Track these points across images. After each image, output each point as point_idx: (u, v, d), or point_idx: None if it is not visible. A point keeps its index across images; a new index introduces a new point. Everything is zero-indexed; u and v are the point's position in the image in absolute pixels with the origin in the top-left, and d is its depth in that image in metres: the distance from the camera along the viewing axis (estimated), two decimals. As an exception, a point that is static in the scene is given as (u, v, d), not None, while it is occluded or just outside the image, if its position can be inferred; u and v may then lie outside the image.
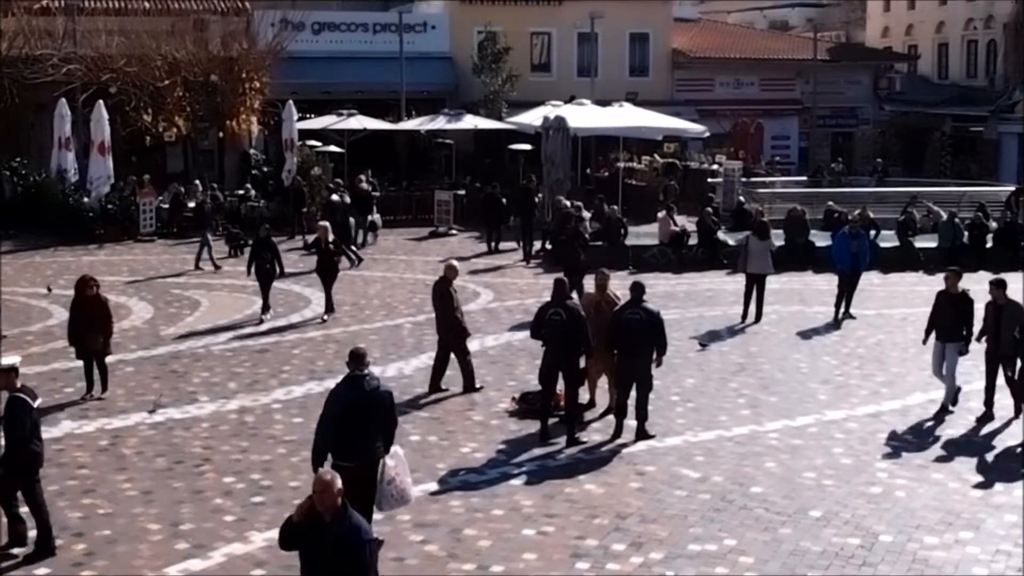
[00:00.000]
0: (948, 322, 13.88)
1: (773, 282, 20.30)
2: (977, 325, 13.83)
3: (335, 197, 26.15)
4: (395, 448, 9.41)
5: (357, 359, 9.24)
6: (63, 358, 15.27)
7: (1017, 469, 11.79)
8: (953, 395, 13.95)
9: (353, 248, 24.92)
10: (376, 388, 9.20)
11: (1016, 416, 13.39)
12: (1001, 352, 13.40)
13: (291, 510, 10.24)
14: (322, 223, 20.12)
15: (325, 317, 18.73)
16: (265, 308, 18.81)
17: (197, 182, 30.72)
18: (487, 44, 36.41)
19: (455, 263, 15.21)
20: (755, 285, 19.21)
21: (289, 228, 28.12)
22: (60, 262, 24.27)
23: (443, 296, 14.45)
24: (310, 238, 24.03)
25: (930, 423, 13.47)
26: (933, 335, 14.08)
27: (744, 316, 19.10)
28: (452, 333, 14.42)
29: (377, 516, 9.97)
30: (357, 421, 9.03)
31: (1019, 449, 12.48)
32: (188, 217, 28.78)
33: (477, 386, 14.53)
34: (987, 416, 13.54)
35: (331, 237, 19.22)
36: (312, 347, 16.81)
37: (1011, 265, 24.52)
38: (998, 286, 13.54)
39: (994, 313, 13.53)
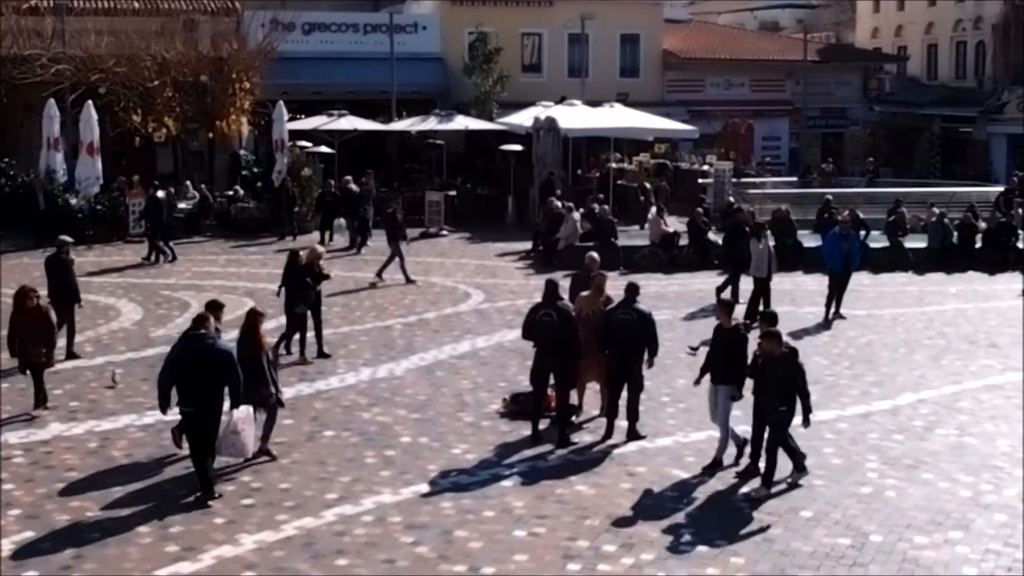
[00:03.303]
0: (719, 361, 11.71)
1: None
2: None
3: (160, 194, 25.29)
4: (248, 408, 10.81)
5: (197, 320, 10.59)
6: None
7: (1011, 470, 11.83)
8: (736, 446, 11.68)
9: (169, 244, 24.44)
10: (211, 346, 10.40)
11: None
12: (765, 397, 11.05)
13: (282, 511, 10.36)
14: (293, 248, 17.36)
15: (327, 350, 16.27)
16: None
17: (188, 183, 30.73)
18: (478, 45, 36.39)
19: (595, 255, 14.82)
20: (756, 287, 19.12)
21: (279, 229, 28.12)
22: (49, 263, 24.09)
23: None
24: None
25: (920, 423, 13.50)
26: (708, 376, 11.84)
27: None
28: None
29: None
30: (192, 373, 10.26)
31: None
32: (178, 218, 28.71)
33: None
34: (751, 471, 11.34)
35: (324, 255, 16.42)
36: (302, 348, 16.75)
37: (1000, 266, 24.74)
38: (768, 321, 11.48)
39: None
